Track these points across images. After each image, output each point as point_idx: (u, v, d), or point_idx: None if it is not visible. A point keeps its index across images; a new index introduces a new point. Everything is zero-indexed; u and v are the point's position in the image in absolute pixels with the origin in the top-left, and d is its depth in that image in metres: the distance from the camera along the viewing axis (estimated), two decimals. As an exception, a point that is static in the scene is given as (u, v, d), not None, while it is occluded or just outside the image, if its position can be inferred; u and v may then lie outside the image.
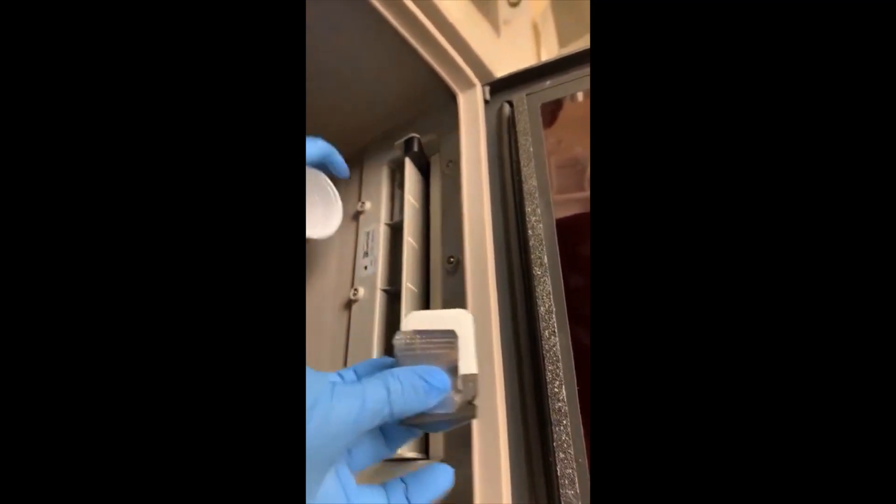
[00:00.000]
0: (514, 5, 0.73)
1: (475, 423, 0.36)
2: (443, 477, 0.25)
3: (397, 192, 0.54)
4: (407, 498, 0.24)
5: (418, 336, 0.27)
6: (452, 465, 0.38)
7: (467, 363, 0.27)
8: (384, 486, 0.25)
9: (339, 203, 0.49)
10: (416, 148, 0.52)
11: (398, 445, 0.27)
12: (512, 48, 0.66)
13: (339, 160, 0.45)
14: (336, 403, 0.20)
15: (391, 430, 0.27)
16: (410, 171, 0.51)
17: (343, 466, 0.24)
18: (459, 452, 0.37)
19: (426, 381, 0.24)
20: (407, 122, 0.56)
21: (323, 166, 0.45)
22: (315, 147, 0.42)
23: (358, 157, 0.59)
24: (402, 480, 0.25)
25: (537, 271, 0.39)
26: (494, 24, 0.54)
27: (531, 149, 0.45)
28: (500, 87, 0.51)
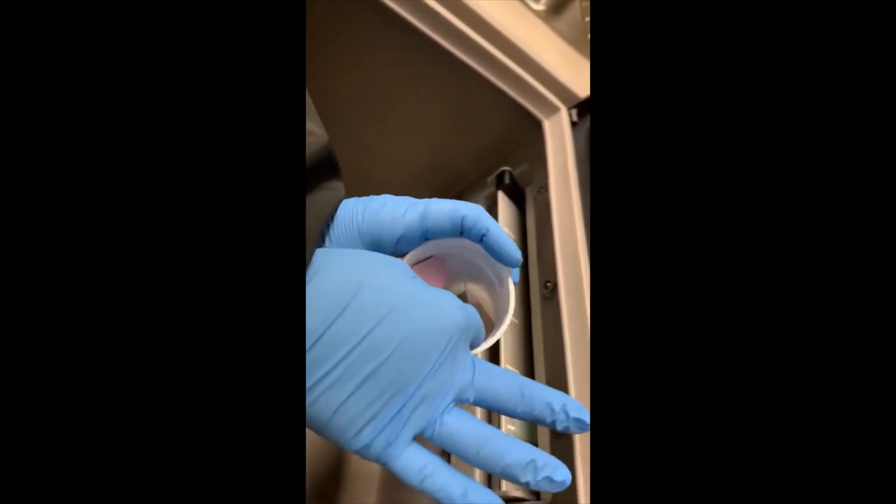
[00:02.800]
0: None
1: (579, 461, 0.33)
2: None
3: (494, 226, 0.54)
4: None
5: None
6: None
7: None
8: None
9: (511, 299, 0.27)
10: (507, 181, 0.52)
11: None
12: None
13: (498, 235, 0.25)
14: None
15: None
16: (503, 204, 0.51)
17: None
18: (568, 493, 0.34)
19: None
20: (501, 157, 0.57)
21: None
22: (440, 210, 0.25)
23: (458, 200, 0.61)
24: None
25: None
26: (581, 47, 0.54)
27: (623, 161, 0.43)
28: (588, 107, 0.50)
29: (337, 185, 0.26)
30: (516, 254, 0.26)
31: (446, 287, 0.29)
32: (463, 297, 0.30)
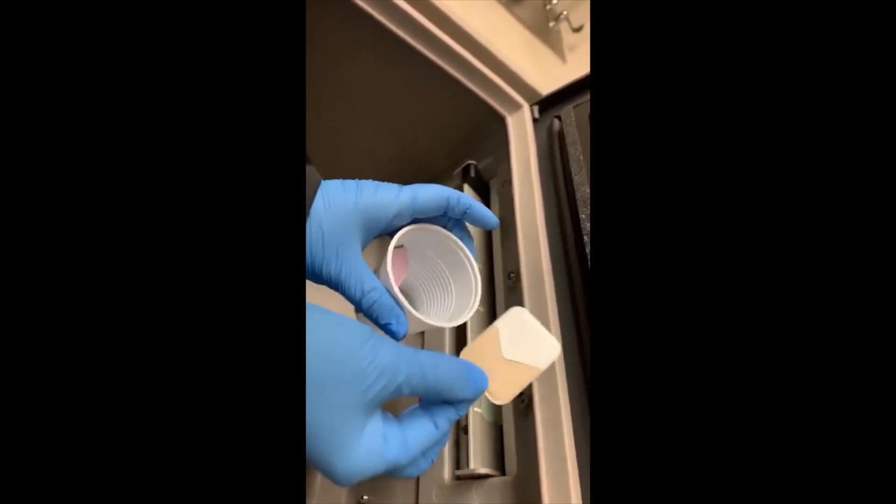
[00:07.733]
0: (577, 31, 0.74)
1: (542, 445, 0.36)
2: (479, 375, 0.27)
3: (460, 218, 0.56)
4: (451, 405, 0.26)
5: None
6: (524, 481, 0.37)
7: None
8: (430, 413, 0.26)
9: (477, 279, 0.32)
10: (473, 174, 0.54)
11: (445, 426, 0.26)
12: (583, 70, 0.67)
13: (478, 209, 0.31)
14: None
15: (437, 409, 0.26)
16: (469, 196, 0.53)
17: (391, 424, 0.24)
18: (531, 469, 0.36)
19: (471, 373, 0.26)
20: (467, 151, 0.59)
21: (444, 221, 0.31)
22: (429, 194, 0.29)
23: (425, 192, 0.63)
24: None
25: (594, 276, 0.38)
26: (543, 35, 0.56)
27: (581, 157, 0.45)
28: (549, 105, 0.52)
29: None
30: (494, 219, 0.32)
31: (403, 274, 0.33)
32: (412, 289, 0.34)
